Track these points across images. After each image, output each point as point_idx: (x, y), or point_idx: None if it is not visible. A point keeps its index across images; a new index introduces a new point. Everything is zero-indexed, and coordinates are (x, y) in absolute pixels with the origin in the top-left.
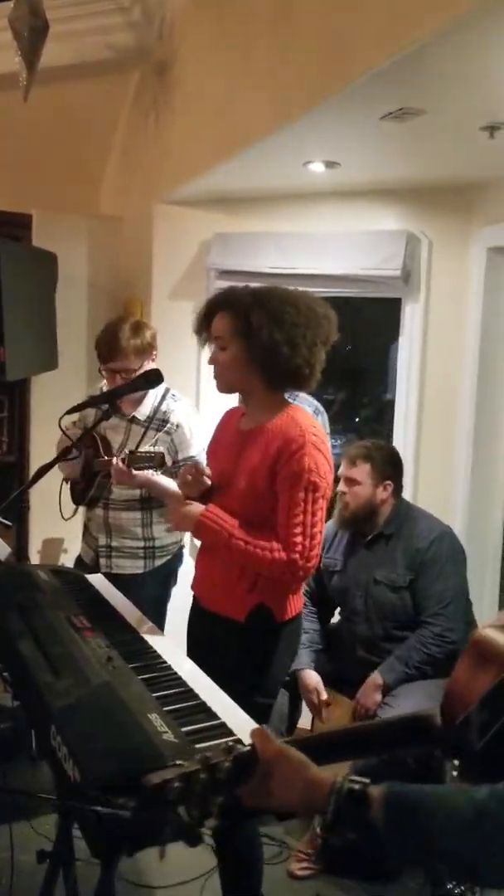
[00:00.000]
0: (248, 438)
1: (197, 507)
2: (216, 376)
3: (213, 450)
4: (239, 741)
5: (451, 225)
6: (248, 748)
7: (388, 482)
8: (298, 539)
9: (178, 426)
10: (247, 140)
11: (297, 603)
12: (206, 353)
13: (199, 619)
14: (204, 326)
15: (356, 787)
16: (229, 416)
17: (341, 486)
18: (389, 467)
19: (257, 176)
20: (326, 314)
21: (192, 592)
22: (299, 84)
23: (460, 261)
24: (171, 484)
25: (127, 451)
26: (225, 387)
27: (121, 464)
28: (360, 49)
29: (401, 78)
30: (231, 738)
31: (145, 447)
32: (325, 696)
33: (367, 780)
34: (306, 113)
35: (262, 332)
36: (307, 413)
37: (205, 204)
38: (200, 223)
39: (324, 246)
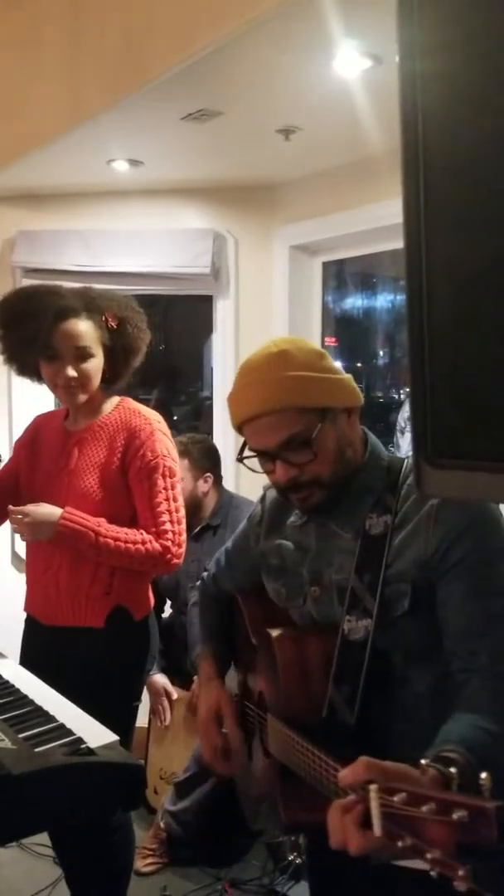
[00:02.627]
0: (84, 437)
1: (53, 510)
2: (77, 387)
3: (29, 457)
4: (80, 740)
5: (254, 224)
6: None
7: (208, 474)
8: (167, 527)
9: None
10: (43, 138)
11: (150, 597)
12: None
13: (42, 638)
14: (50, 339)
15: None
16: (45, 421)
17: None
18: (207, 460)
19: (60, 173)
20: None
21: (25, 613)
22: (96, 83)
23: (265, 258)
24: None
25: None
26: (84, 398)
27: None
28: (156, 50)
29: (199, 79)
30: (71, 738)
31: None
32: (175, 695)
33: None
34: (104, 112)
35: (125, 336)
36: (139, 404)
37: (7, 200)
38: (3, 220)
39: (133, 244)
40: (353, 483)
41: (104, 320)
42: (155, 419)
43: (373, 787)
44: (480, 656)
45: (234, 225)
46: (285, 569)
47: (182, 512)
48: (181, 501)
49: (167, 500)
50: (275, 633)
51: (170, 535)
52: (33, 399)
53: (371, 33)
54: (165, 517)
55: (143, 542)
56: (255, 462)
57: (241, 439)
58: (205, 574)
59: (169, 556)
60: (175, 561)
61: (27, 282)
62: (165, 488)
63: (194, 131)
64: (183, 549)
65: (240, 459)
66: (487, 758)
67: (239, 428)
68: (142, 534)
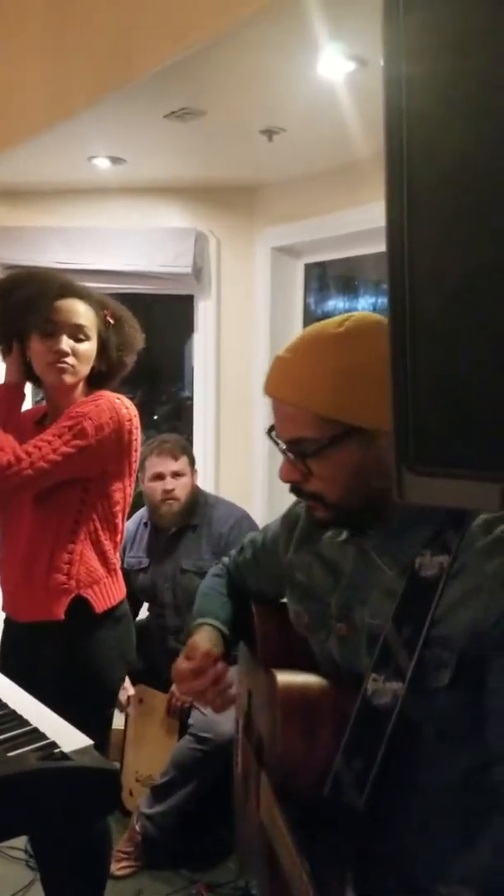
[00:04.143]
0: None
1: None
2: (70, 367)
3: None
4: (54, 745)
5: (236, 224)
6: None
7: (195, 470)
8: (31, 450)
9: None
10: (24, 134)
11: (116, 590)
12: None
13: (14, 635)
14: (49, 312)
15: None
16: (26, 418)
17: (169, 483)
18: (193, 456)
19: (40, 169)
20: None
21: (4, 612)
22: (79, 80)
23: (247, 259)
24: None
25: None
26: (73, 380)
27: None
28: (141, 48)
29: (183, 78)
30: (45, 742)
31: None
32: (132, 691)
33: None
34: (87, 109)
35: (122, 334)
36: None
37: None
38: None
39: (113, 242)
40: (405, 510)
41: (103, 314)
42: (115, 397)
43: None
44: None
45: (217, 225)
46: (312, 592)
47: (53, 467)
48: (63, 464)
49: (50, 443)
50: (281, 677)
51: (24, 458)
52: None
53: (356, 36)
54: (34, 448)
55: (2, 448)
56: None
57: (227, 433)
58: (228, 557)
59: (9, 471)
60: (4, 482)
61: None
62: (61, 436)
63: (177, 130)
64: (16, 482)
65: (269, 433)
66: None
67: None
68: (12, 446)
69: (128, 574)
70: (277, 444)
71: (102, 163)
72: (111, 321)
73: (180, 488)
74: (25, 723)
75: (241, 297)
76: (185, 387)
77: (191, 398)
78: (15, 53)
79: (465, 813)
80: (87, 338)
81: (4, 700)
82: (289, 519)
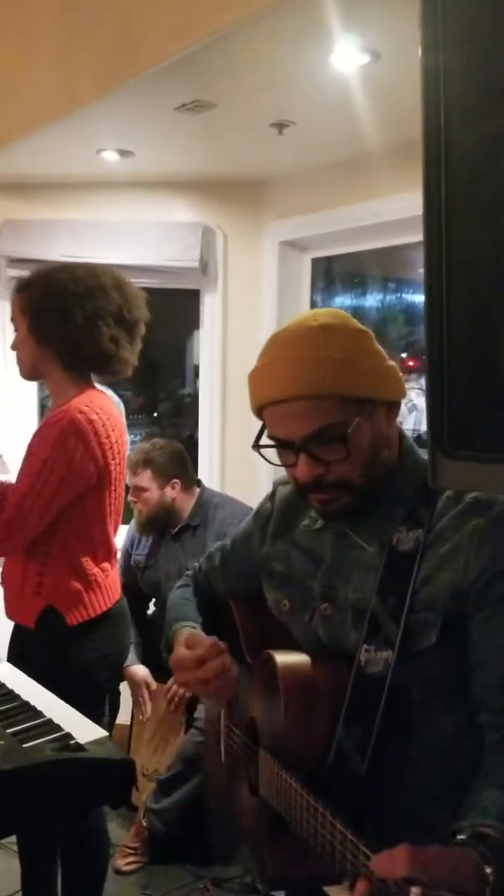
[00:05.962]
0: (42, 427)
1: None
2: (16, 360)
3: None
4: (69, 736)
5: (244, 218)
6: None
7: (175, 480)
8: (11, 509)
9: None
10: (32, 126)
11: (98, 602)
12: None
13: (14, 635)
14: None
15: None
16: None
17: (131, 496)
18: (172, 465)
19: (48, 162)
20: (117, 285)
21: None
22: (88, 72)
23: (254, 254)
24: None
25: None
26: (23, 369)
27: None
28: (152, 39)
29: (194, 70)
30: (60, 734)
31: None
32: (154, 686)
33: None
34: (96, 100)
35: (37, 305)
36: (100, 395)
37: None
38: None
39: (120, 235)
40: (385, 490)
41: (27, 297)
42: (78, 409)
43: (415, 891)
44: None
45: (224, 219)
46: (292, 578)
47: (40, 513)
48: (49, 503)
49: (30, 486)
50: (279, 657)
51: (4, 516)
52: (15, 388)
53: (370, 28)
54: (17, 500)
55: None
56: (272, 453)
57: (232, 429)
58: (196, 565)
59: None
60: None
61: (12, 272)
62: (37, 476)
63: (187, 123)
64: (11, 543)
65: (256, 447)
66: None
67: (259, 410)
68: None
69: (135, 571)
70: (265, 457)
71: (111, 156)
72: (35, 301)
73: (142, 503)
74: (39, 714)
75: (248, 291)
76: (186, 384)
77: (190, 395)
78: (23, 45)
79: (458, 770)
80: (16, 329)
81: (17, 692)
82: (260, 516)
